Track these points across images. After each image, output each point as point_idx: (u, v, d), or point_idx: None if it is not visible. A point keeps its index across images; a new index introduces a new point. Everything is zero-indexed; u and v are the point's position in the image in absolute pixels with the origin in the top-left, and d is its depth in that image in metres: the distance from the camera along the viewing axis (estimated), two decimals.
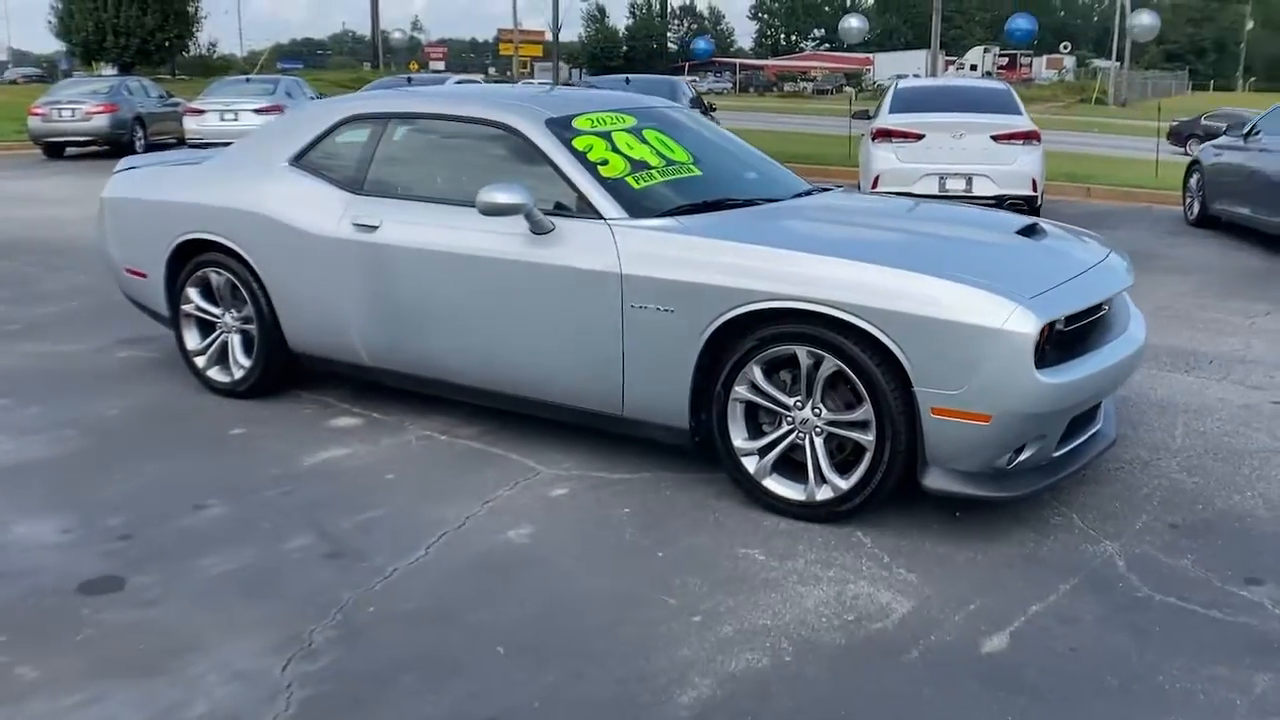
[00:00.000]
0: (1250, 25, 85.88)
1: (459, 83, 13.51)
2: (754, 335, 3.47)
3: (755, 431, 3.63)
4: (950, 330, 3.17)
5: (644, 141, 4.21)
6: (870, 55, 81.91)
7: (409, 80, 16.93)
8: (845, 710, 2.50)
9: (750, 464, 3.59)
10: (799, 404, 3.50)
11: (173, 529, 3.49)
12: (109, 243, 5.23)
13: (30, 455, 4.15)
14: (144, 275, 5.05)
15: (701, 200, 4.01)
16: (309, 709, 2.49)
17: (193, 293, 4.87)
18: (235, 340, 4.83)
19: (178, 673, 2.64)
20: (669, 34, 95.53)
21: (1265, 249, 9.14)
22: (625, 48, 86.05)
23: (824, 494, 3.47)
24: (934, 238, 3.87)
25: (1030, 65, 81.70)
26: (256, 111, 16.35)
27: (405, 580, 3.13)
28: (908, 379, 3.25)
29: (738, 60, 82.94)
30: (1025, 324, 3.13)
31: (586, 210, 3.84)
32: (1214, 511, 3.65)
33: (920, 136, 9.91)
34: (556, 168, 3.93)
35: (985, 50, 77.97)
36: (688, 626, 2.87)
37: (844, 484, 3.43)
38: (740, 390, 3.56)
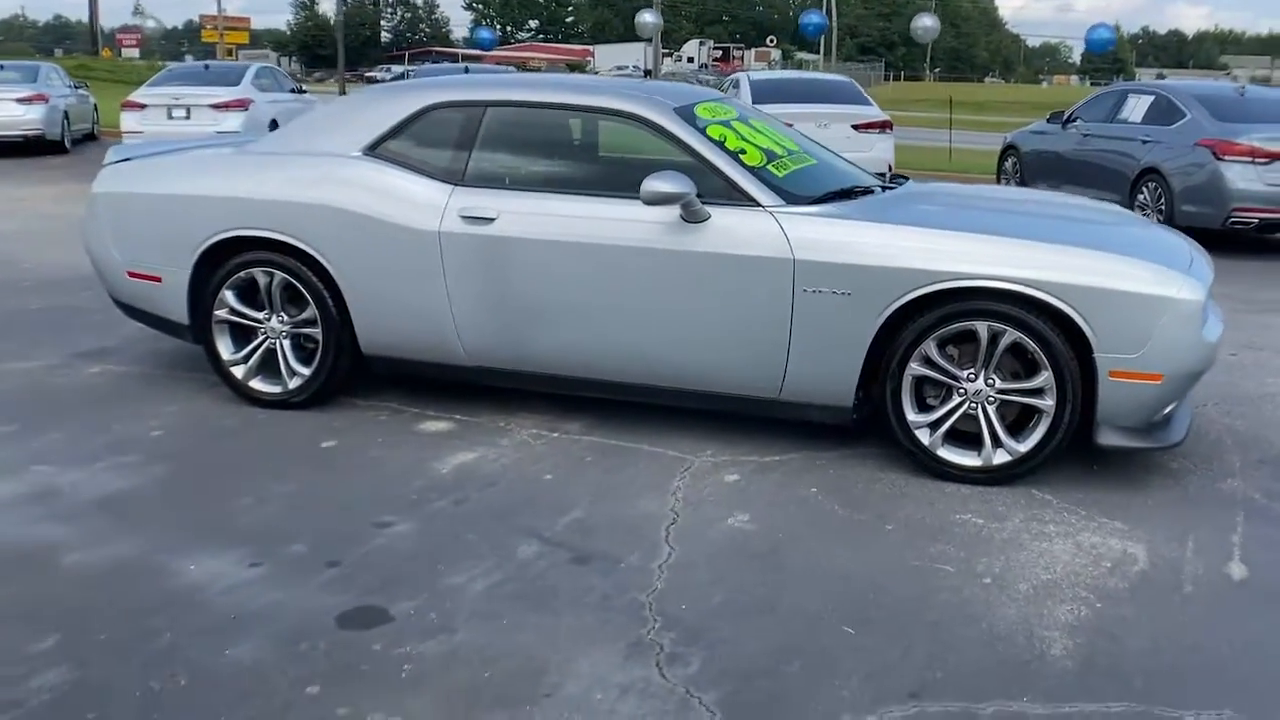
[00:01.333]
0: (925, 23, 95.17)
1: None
2: (934, 313, 3.67)
3: (921, 405, 3.83)
4: (1132, 301, 3.52)
5: (757, 131, 4.29)
6: (590, 47, 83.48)
7: (466, 69, 14.48)
8: (1193, 639, 2.78)
9: (924, 436, 3.80)
10: (971, 376, 3.73)
11: (377, 550, 3.24)
12: (104, 244, 4.65)
13: (113, 486, 3.68)
14: (156, 279, 4.53)
15: (836, 188, 4.15)
16: (736, 713, 2.46)
17: (229, 296, 4.44)
18: (286, 347, 4.45)
19: (561, 696, 2.51)
20: (383, 23, 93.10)
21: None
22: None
23: (1000, 458, 3.74)
24: (1067, 220, 4.22)
25: (743, 58, 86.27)
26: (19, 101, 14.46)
27: (681, 576, 3.10)
28: (1087, 346, 3.56)
29: (459, 51, 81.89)
30: (1195, 292, 3.54)
31: (738, 198, 3.87)
32: None
33: (789, 126, 10.39)
34: (701, 157, 3.94)
35: (700, 43, 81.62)
36: (987, 590, 3.04)
37: (1022, 448, 3.71)
38: (914, 366, 3.75)
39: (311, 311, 4.34)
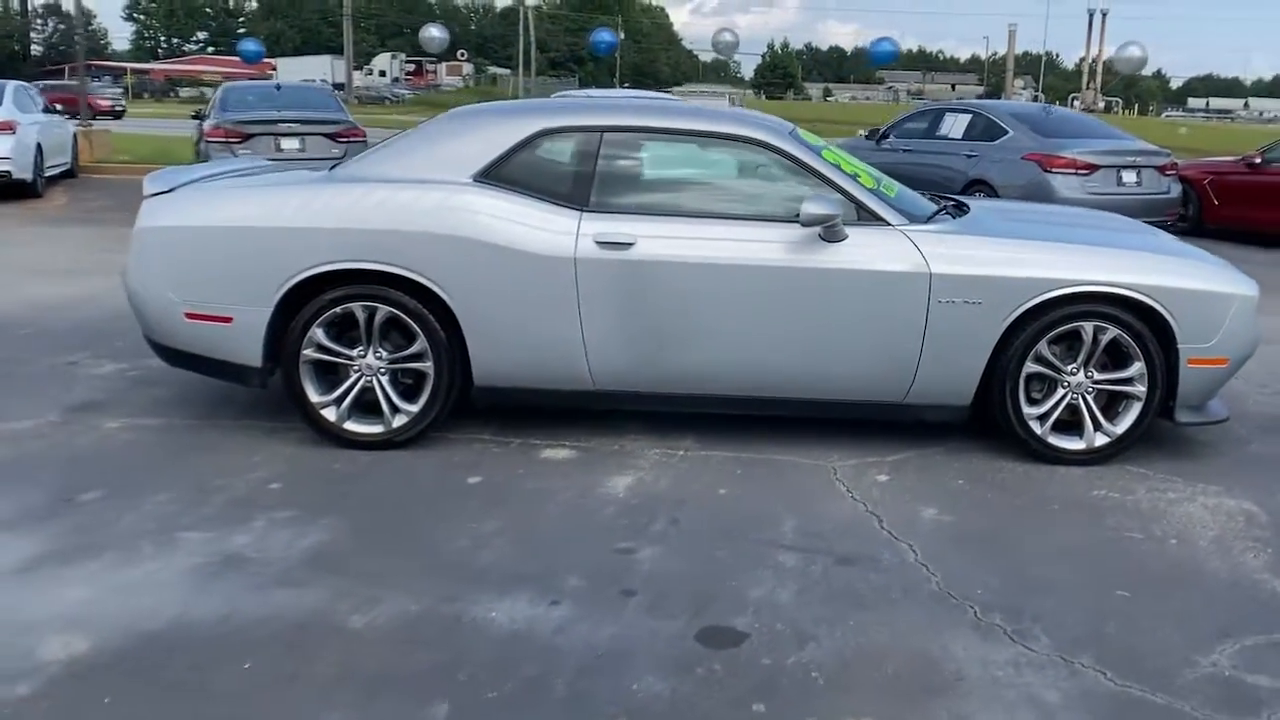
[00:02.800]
0: (621, 36, 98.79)
1: None
2: (1049, 315, 4.18)
3: (1029, 399, 4.34)
4: (1210, 298, 4.21)
5: (846, 156, 4.63)
6: (271, 60, 79.77)
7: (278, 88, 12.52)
8: None
9: (1036, 426, 4.31)
10: (1073, 370, 4.29)
11: (654, 574, 3.28)
12: (156, 284, 4.22)
13: (303, 543, 3.44)
14: (224, 320, 4.19)
15: (932, 208, 4.58)
16: (1113, 665, 2.80)
17: (319, 334, 4.19)
18: (384, 383, 4.26)
19: (971, 679, 2.74)
20: (33, 35, 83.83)
21: None
22: None
23: (1100, 441, 4.31)
24: (1126, 231, 4.87)
25: (436, 72, 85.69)
26: None
27: (945, 566, 3.38)
28: (1172, 338, 4.21)
29: (128, 65, 75.29)
30: (1254, 289, 4.29)
31: (866, 218, 4.20)
32: None
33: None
34: (829, 180, 4.23)
35: (393, 57, 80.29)
36: (1181, 548, 3.57)
37: (1118, 430, 4.31)
38: (1030, 365, 4.25)
39: (420, 345, 4.19)
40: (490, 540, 3.49)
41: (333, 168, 4.53)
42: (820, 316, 4.17)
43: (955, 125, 10.90)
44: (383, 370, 4.25)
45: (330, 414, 4.25)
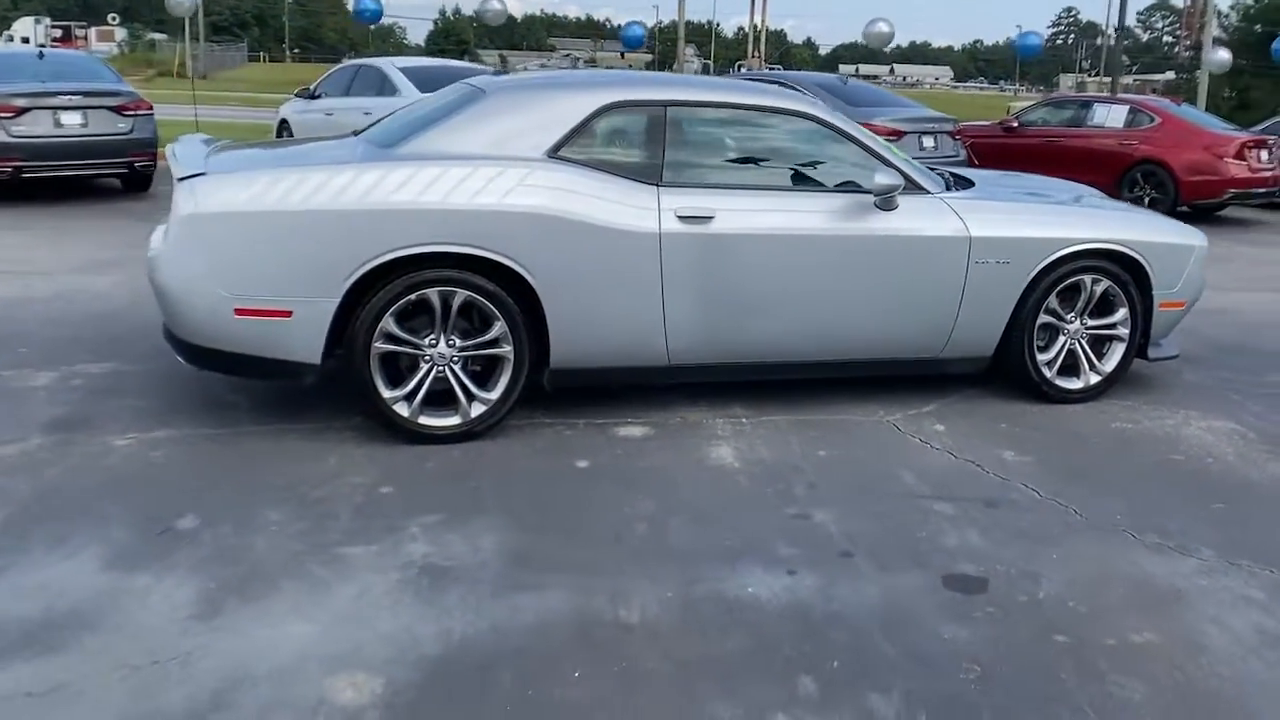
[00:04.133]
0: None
1: None
2: (1059, 271, 4.68)
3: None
4: (1177, 250, 4.87)
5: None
6: None
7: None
8: None
9: (1047, 371, 4.81)
10: (1071, 319, 4.83)
11: (875, 536, 3.41)
12: (200, 277, 3.75)
13: (485, 547, 3.25)
14: (283, 314, 3.80)
15: (947, 177, 4.94)
16: None
17: (391, 324, 3.91)
18: (458, 372, 4.05)
19: None
20: None
21: None
22: None
23: (1094, 379, 4.88)
24: (1095, 196, 5.41)
25: (87, 37, 77.23)
26: None
27: (1107, 505, 3.74)
28: (1149, 286, 4.85)
29: None
30: (1205, 240, 5.01)
31: (909, 188, 4.49)
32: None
33: None
34: (874, 153, 4.46)
35: (37, 21, 71.41)
36: (1236, 464, 4.17)
37: (1107, 369, 4.90)
38: (1043, 316, 4.74)
39: (498, 329, 4.01)
40: (663, 520, 3.46)
41: (390, 145, 4.15)
42: (879, 281, 4.41)
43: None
44: (455, 359, 4.02)
45: (403, 409, 3.97)
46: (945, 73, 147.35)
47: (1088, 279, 4.72)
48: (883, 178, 4.23)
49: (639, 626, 2.80)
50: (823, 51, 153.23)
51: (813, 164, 4.44)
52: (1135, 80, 65.08)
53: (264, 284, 3.76)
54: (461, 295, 3.93)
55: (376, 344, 3.89)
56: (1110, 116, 12.15)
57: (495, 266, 3.94)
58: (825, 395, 4.71)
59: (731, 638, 2.77)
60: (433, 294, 3.90)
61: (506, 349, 4.03)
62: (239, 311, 3.77)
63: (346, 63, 13.15)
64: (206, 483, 3.61)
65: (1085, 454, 4.23)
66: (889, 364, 4.65)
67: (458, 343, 4.01)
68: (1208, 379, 5.32)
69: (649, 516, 3.48)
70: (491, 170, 3.93)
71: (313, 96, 12.20)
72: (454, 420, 4.03)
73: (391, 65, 11.18)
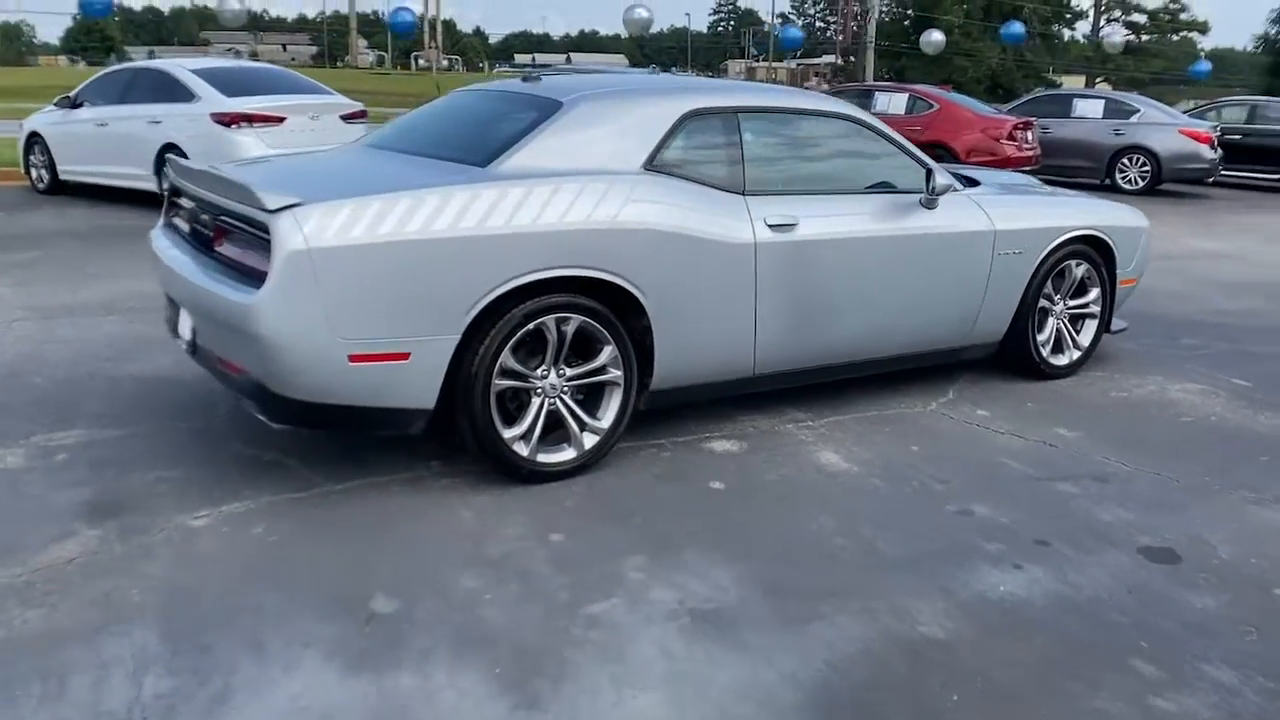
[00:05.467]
0: None
1: None
2: (1052, 259, 5.08)
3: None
4: (1134, 231, 5.43)
5: None
6: None
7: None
8: None
9: (1045, 350, 5.22)
10: (1058, 301, 5.26)
11: (1064, 522, 3.57)
12: (314, 323, 3.29)
13: (731, 573, 3.13)
14: (401, 357, 3.44)
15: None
16: None
17: (509, 358, 3.65)
18: (570, 403, 3.84)
19: None
20: None
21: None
22: None
23: (1076, 355, 5.35)
24: (1054, 189, 5.82)
25: None
26: None
27: (1187, 470, 4.11)
28: (1114, 266, 5.38)
29: None
30: (1148, 222, 5.60)
31: (925, 186, 4.70)
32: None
33: (282, 120, 9.81)
34: (910, 152, 4.65)
35: None
36: (1231, 418, 4.72)
37: (1085, 343, 5.38)
38: (1041, 301, 5.14)
39: (609, 354, 3.82)
40: (852, 531, 3.45)
41: (482, 161, 3.78)
42: (928, 277, 4.60)
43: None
44: (565, 389, 3.78)
45: (522, 448, 3.69)
46: (621, 61, 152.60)
47: (1072, 263, 5.15)
48: (941, 178, 4.41)
49: (950, 639, 2.80)
50: (493, 41, 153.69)
51: (862, 166, 4.54)
52: (798, 65, 70.50)
53: (381, 325, 3.36)
54: (575, 321, 3.69)
55: (496, 381, 3.58)
56: (892, 104, 13.16)
57: (604, 288, 3.74)
58: (851, 393, 4.82)
59: (1038, 634, 2.83)
60: (550, 321, 3.64)
61: (616, 374, 3.83)
62: (354, 358, 3.34)
63: (116, 66, 11.73)
64: (350, 556, 3.18)
65: (1120, 424, 4.63)
66: (926, 356, 4.85)
67: (566, 372, 3.76)
68: (1138, 348, 5.95)
69: (837, 530, 3.45)
70: (600, 186, 3.72)
71: (74, 105, 10.95)
72: (569, 455, 3.79)
73: (181, 68, 10.12)
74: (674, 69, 17.16)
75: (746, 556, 3.24)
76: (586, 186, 3.69)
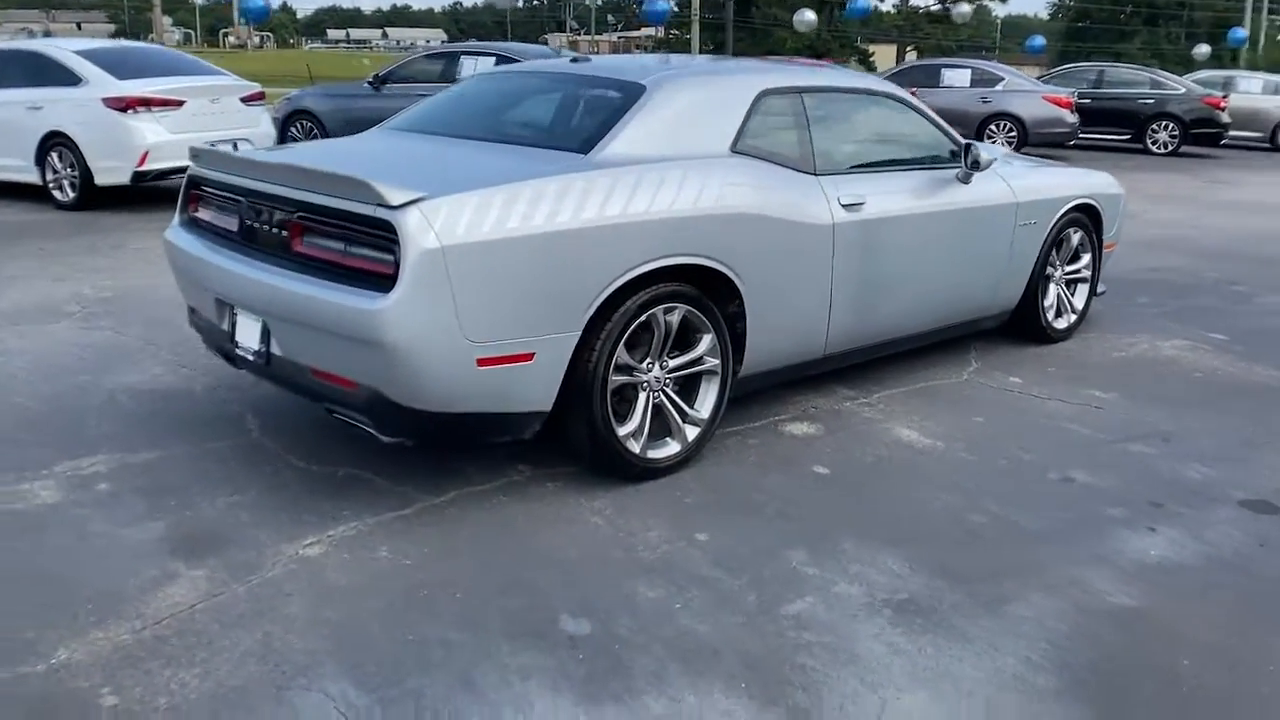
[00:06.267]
0: None
1: None
2: (1056, 228, 5.26)
3: None
4: (1116, 199, 5.68)
5: None
6: None
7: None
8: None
9: (1050, 315, 5.40)
10: (1056, 268, 5.46)
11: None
12: (450, 326, 3.04)
13: (900, 567, 3.11)
14: (526, 358, 3.25)
15: None
16: None
17: (622, 352, 3.50)
18: (673, 395, 3.72)
19: None
20: None
21: None
22: None
23: (1072, 318, 5.57)
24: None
25: None
26: None
27: (1238, 427, 4.34)
28: (1102, 232, 5.62)
29: None
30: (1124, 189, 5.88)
31: (964, 161, 4.78)
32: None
33: (182, 103, 9.13)
34: (944, 130, 4.70)
35: None
36: (1221, 372, 5.02)
37: (1079, 306, 5.60)
38: (1047, 269, 5.31)
39: (708, 343, 3.72)
40: (979, 506, 3.48)
41: (581, 147, 3.56)
42: (969, 249, 4.69)
43: None
44: (666, 381, 3.65)
45: (634, 445, 3.54)
46: (438, 35, 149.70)
47: (1071, 231, 5.34)
48: (982, 153, 4.48)
49: (1143, 606, 2.86)
50: (301, 17, 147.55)
51: (905, 142, 4.56)
52: (620, 38, 70.76)
53: (508, 325, 3.14)
54: (680, 311, 3.56)
55: (612, 377, 3.41)
56: None
57: (704, 275, 3.62)
58: (884, 369, 4.85)
59: (1217, 594, 2.92)
60: (659, 312, 3.50)
61: (714, 363, 3.73)
62: (482, 362, 3.11)
63: None
64: (503, 575, 2.97)
65: (1144, 384, 4.85)
66: (957, 327, 4.94)
67: (669, 364, 3.63)
68: (1105, 308, 6.22)
69: (965, 507, 3.47)
70: (701, 170, 3.60)
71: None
72: (674, 449, 3.66)
73: (62, 49, 9.20)
74: (576, 51, 16.98)
75: (900, 541, 3.21)
76: (689, 172, 3.55)
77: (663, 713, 2.37)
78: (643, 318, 3.44)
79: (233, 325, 3.55)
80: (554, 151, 3.56)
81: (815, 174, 4.01)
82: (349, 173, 3.05)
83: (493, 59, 11.28)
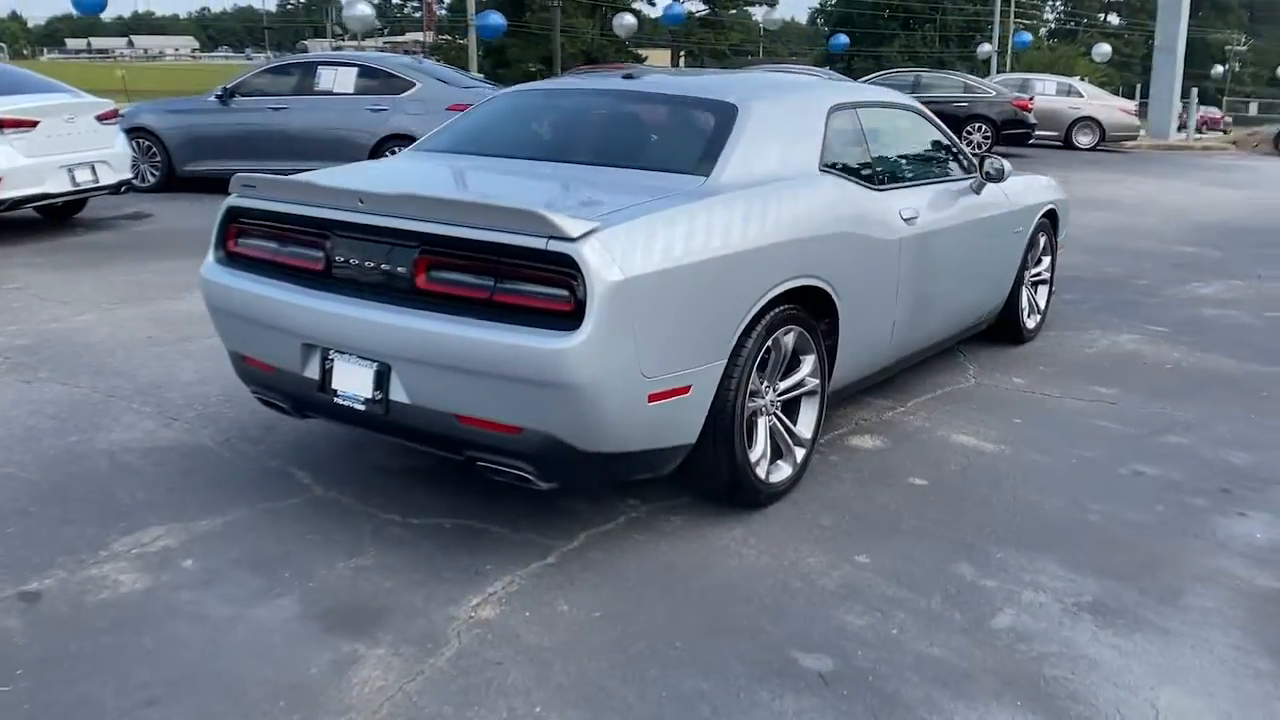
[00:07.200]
0: None
1: None
2: (1032, 233, 5.58)
3: None
4: (1065, 204, 6.07)
5: None
6: None
7: None
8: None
9: (1024, 315, 5.72)
10: (1029, 269, 5.78)
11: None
12: (629, 364, 2.90)
13: (1078, 586, 3.23)
14: (683, 391, 3.15)
15: None
16: None
17: (755, 379, 3.47)
18: (783, 418, 3.71)
19: None
20: None
21: None
22: None
23: (1037, 318, 5.90)
24: None
25: None
26: None
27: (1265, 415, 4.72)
28: (1057, 234, 6.00)
29: None
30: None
31: (969, 172, 5.00)
32: None
33: (36, 123, 8.28)
34: (952, 140, 4.89)
35: None
36: (1176, 363, 5.47)
37: (1043, 306, 5.96)
38: (1026, 271, 5.63)
39: (812, 363, 3.73)
40: (1085, 506, 3.64)
41: (697, 169, 3.44)
42: (985, 257, 4.91)
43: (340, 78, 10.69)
44: (776, 404, 3.64)
45: (762, 471, 3.51)
46: (189, 42, 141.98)
47: (1039, 234, 5.68)
48: (997, 164, 4.68)
49: None
50: (33, 25, 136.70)
51: (931, 154, 4.71)
52: (385, 44, 69.55)
53: (674, 357, 3.03)
54: (794, 333, 3.55)
55: (749, 403, 3.36)
56: None
57: (809, 295, 3.62)
58: (891, 378, 4.96)
59: None
60: (780, 336, 3.47)
61: (814, 383, 3.73)
62: (652, 398, 2.99)
63: None
64: (701, 620, 2.87)
65: (1130, 377, 5.20)
66: (963, 333, 5.14)
67: (779, 386, 3.61)
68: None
69: (1071, 507, 3.62)
70: (806, 191, 3.60)
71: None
72: (788, 472, 3.64)
73: None
74: (417, 56, 16.43)
75: (1044, 546, 3.32)
76: (798, 192, 3.55)
77: None
78: (768, 342, 3.39)
79: (326, 372, 3.24)
80: (668, 174, 3.46)
81: (878, 189, 4.08)
82: (510, 203, 2.86)
83: (354, 69, 10.84)
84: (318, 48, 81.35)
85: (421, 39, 61.97)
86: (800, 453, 3.67)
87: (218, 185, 10.65)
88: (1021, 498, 3.68)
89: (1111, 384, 5.05)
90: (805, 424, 3.71)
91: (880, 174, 4.14)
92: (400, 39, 72.49)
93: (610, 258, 2.79)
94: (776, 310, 3.39)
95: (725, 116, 3.68)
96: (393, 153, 9.95)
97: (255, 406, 4.38)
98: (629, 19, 21.21)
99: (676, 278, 2.97)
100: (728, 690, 2.52)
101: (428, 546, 3.23)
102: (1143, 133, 23.13)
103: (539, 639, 2.73)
